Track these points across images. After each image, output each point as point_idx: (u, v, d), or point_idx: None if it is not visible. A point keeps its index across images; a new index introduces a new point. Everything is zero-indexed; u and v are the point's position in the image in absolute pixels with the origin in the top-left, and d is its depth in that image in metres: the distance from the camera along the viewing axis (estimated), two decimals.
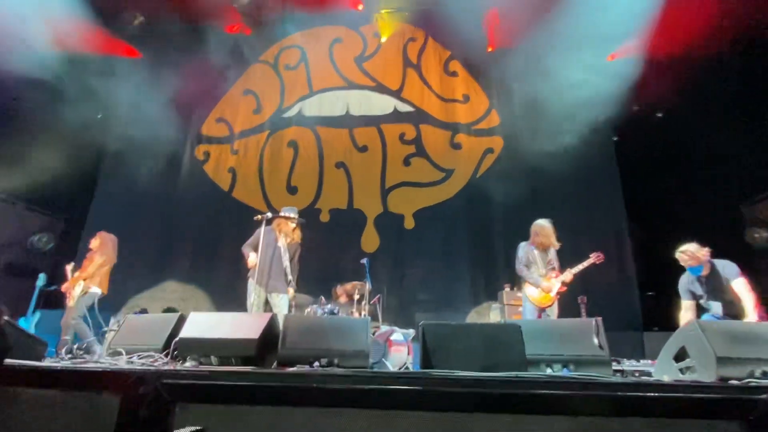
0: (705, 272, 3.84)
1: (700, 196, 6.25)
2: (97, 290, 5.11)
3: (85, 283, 5.04)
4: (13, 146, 6.56)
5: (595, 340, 2.54)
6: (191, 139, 8.03)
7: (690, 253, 3.85)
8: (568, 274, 4.49)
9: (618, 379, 2.22)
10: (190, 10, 7.31)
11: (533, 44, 7.47)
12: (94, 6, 6.94)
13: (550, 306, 4.50)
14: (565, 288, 4.53)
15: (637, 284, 6.60)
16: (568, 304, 5.31)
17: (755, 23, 5.46)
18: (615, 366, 2.87)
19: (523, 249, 4.68)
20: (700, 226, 6.12)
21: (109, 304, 6.88)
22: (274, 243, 4.52)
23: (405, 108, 7.80)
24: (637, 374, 2.92)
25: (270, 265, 4.40)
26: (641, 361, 3.36)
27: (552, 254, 4.67)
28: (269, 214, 4.45)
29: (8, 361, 2.44)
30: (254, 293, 4.32)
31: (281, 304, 4.46)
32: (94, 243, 5.36)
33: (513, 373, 2.07)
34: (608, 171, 7.13)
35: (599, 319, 2.63)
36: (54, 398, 1.08)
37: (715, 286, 3.79)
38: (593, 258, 4.63)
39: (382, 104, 7.84)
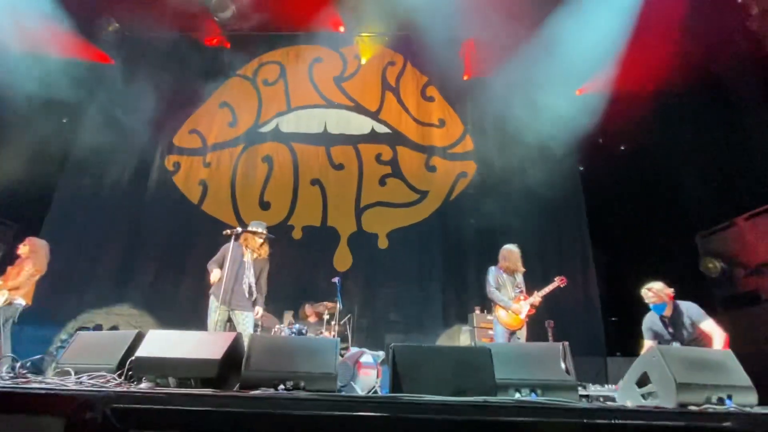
0: (668, 312, 3.91)
1: (660, 225, 6.58)
2: (21, 302, 4.66)
3: (10, 293, 4.57)
4: None
5: (563, 365, 2.57)
6: (162, 149, 7.79)
7: (655, 290, 3.92)
8: (537, 297, 4.62)
9: (584, 404, 2.25)
10: (169, 20, 7.22)
11: (507, 74, 7.79)
12: (68, 10, 6.76)
13: (519, 329, 4.57)
14: (534, 310, 4.62)
15: (601, 310, 6.78)
16: (535, 328, 5.40)
17: (712, 62, 5.90)
18: (581, 391, 2.91)
19: (492, 273, 4.78)
20: (660, 255, 6.45)
21: (58, 319, 6.47)
22: (241, 259, 4.36)
23: (382, 129, 7.90)
24: (601, 399, 2.96)
25: (234, 281, 4.24)
26: (605, 386, 3.40)
27: (519, 278, 4.80)
28: (239, 229, 4.35)
29: None
30: (216, 311, 4.13)
31: (246, 322, 4.28)
32: (23, 250, 4.83)
33: (482, 398, 2.05)
34: (574, 199, 7.41)
35: (566, 343, 2.67)
36: None
37: (677, 326, 3.86)
38: (557, 282, 4.77)
39: (360, 124, 7.91)
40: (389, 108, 8.01)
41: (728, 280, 5.76)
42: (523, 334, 4.58)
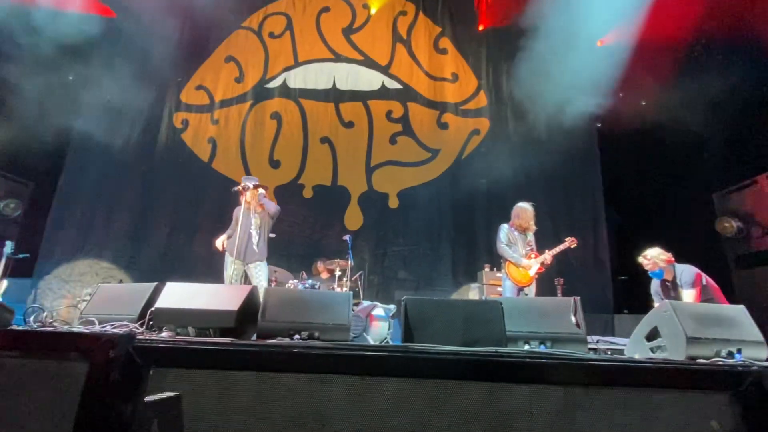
0: (668, 276, 3.92)
1: (675, 184, 6.43)
2: None
3: None
4: None
5: (573, 319, 2.59)
6: (170, 105, 7.68)
7: (649, 257, 3.94)
8: (547, 256, 4.61)
9: (592, 355, 2.29)
10: None
11: (524, 25, 7.39)
12: None
13: (528, 285, 4.61)
14: (543, 269, 4.62)
15: (611, 269, 6.79)
16: (545, 285, 5.44)
17: (740, 15, 5.52)
18: (591, 344, 2.96)
19: (504, 230, 4.77)
20: (674, 214, 6.35)
21: (82, 276, 6.72)
22: (248, 215, 4.58)
23: (393, 85, 7.65)
24: (609, 352, 3.02)
25: (246, 237, 4.48)
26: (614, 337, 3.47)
27: (530, 237, 4.79)
28: (237, 188, 4.56)
29: None
30: (232, 266, 4.38)
31: (258, 274, 4.49)
32: None
33: (492, 349, 2.09)
34: (590, 157, 7.23)
35: (577, 298, 2.69)
36: (18, 363, 1.02)
37: (677, 290, 3.87)
38: (568, 242, 4.77)
39: (370, 79, 7.66)
40: (400, 62, 7.72)
41: (744, 240, 5.68)
42: (532, 291, 4.63)
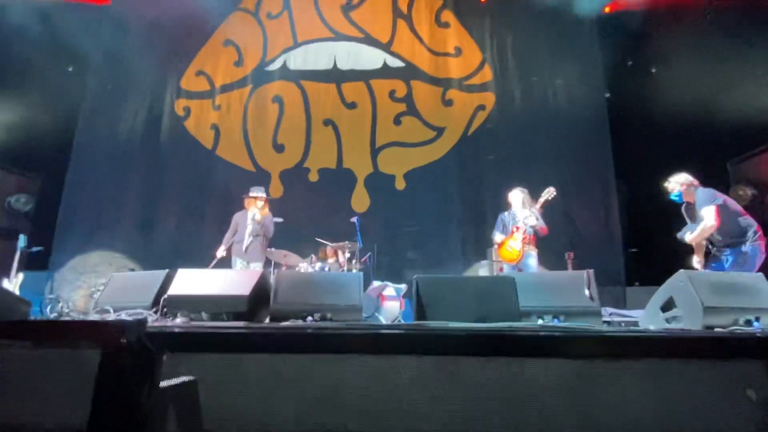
0: (689, 199, 3.95)
1: (688, 152, 6.26)
2: None
3: None
4: None
5: (587, 292, 2.57)
6: (170, 93, 7.59)
7: (672, 180, 4.03)
8: (530, 218, 4.56)
9: (606, 328, 2.27)
10: None
11: None
12: None
13: (518, 261, 4.58)
14: (528, 237, 4.57)
15: (622, 241, 6.72)
16: (554, 259, 5.41)
17: None
18: (604, 317, 2.94)
19: (498, 219, 4.95)
20: None
21: (96, 266, 6.81)
22: (247, 221, 5.10)
23: (395, 63, 7.48)
24: (623, 324, 3.00)
25: (248, 240, 5.01)
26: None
27: (522, 215, 4.70)
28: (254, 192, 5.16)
29: None
30: (239, 264, 4.95)
31: None
32: None
33: (506, 324, 2.08)
34: (599, 127, 7.05)
35: (591, 271, 2.66)
36: (33, 353, 1.02)
37: (692, 214, 3.92)
38: (545, 195, 4.71)
39: (372, 57, 7.49)
40: (401, 38, 7.52)
41: (758, 207, 5.57)
42: (530, 263, 4.60)
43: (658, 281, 2.96)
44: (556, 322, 2.47)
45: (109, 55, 7.43)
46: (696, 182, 3.98)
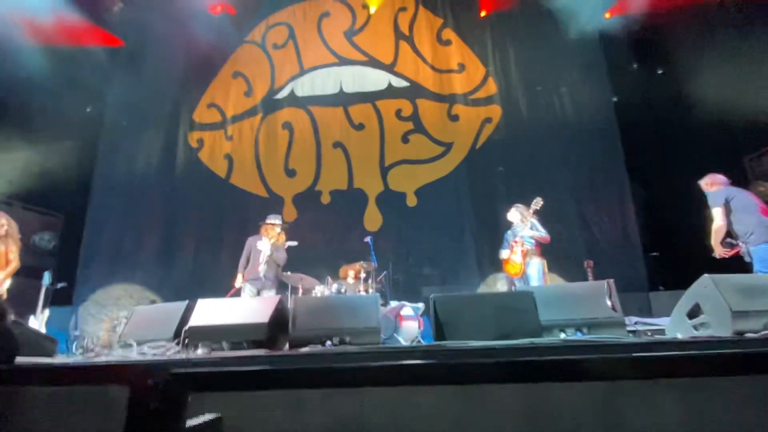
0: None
1: (703, 152, 6.15)
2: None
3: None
4: (3, 146, 6.44)
5: (608, 302, 2.51)
6: (184, 126, 7.86)
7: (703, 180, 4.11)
8: (525, 229, 4.67)
9: (633, 339, 2.21)
10: None
11: (527, 5, 7.24)
12: None
13: (520, 274, 4.68)
14: (525, 248, 4.64)
15: (641, 245, 6.57)
16: (574, 269, 5.33)
17: None
18: (629, 327, 2.86)
19: (504, 237, 5.06)
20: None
21: (118, 299, 6.95)
22: (260, 247, 5.08)
23: (400, 83, 7.60)
24: (649, 333, 2.91)
25: (263, 269, 4.96)
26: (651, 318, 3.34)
27: (520, 230, 4.81)
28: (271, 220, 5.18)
29: (19, 359, 2.43)
30: (248, 291, 4.90)
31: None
32: (3, 227, 4.40)
33: (528, 340, 2.05)
34: (609, 132, 6.99)
35: (611, 280, 2.60)
36: (62, 394, 1.05)
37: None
38: (533, 205, 4.77)
39: (376, 79, 7.64)
40: (405, 59, 7.66)
41: None
42: (530, 273, 4.64)
43: (684, 284, 2.87)
44: (579, 336, 2.41)
45: (124, 94, 7.74)
46: (714, 181, 4.03)
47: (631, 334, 2.74)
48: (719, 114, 5.95)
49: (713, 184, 4.00)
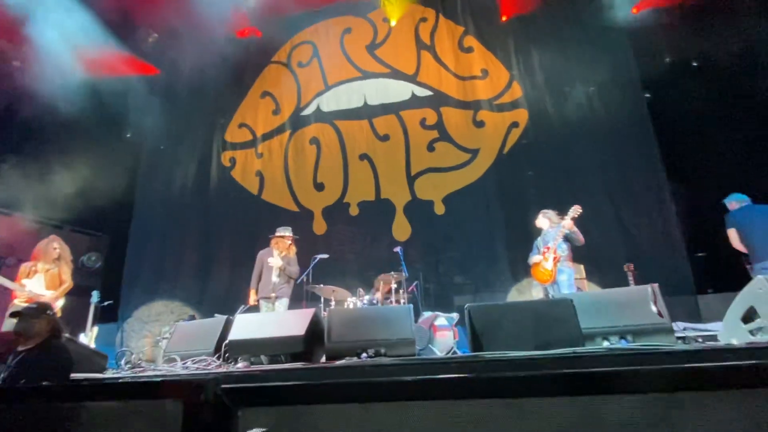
0: None
1: (745, 146, 5.83)
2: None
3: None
4: (52, 174, 6.90)
5: (653, 308, 2.39)
6: (217, 147, 8.21)
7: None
8: (553, 241, 4.57)
9: (685, 346, 2.09)
10: (200, 20, 7.39)
11: (550, 5, 7.15)
12: (110, 28, 7.14)
13: (550, 281, 4.58)
14: (559, 258, 4.54)
15: (685, 246, 6.25)
16: (614, 274, 5.12)
17: None
18: (678, 333, 2.71)
19: (534, 243, 4.99)
20: (747, 179, 5.74)
21: (159, 315, 7.24)
22: (270, 262, 5.01)
23: (423, 92, 7.64)
24: (700, 339, 2.75)
25: (272, 279, 4.90)
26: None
27: (551, 235, 4.73)
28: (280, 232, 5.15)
29: (73, 375, 2.57)
30: (264, 309, 4.82)
31: (282, 307, 4.86)
32: (56, 250, 4.72)
33: (570, 350, 1.98)
34: (642, 130, 6.72)
35: (655, 285, 2.48)
36: (118, 409, 1.10)
37: None
38: (572, 212, 4.62)
39: (399, 90, 7.71)
40: (427, 68, 7.70)
41: None
42: (561, 280, 4.53)
43: (736, 286, 2.69)
44: (623, 344, 2.31)
45: (160, 119, 8.16)
46: (731, 204, 4.42)
47: (680, 341, 2.60)
48: (761, 105, 5.65)
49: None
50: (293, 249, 5.16)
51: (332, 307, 5.33)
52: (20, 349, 2.51)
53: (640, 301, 2.46)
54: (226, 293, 7.10)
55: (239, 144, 8.17)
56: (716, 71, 6.09)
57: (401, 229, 7.09)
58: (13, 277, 4.51)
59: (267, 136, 8.06)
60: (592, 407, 1.16)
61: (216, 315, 4.85)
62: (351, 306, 5.17)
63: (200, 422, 0.79)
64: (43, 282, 4.57)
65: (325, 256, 5.51)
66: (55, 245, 4.76)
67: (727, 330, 2.52)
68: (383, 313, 3.11)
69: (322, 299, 5.56)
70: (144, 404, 1.06)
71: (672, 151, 6.64)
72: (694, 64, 6.55)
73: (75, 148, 7.24)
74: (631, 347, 2.14)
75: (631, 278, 4.61)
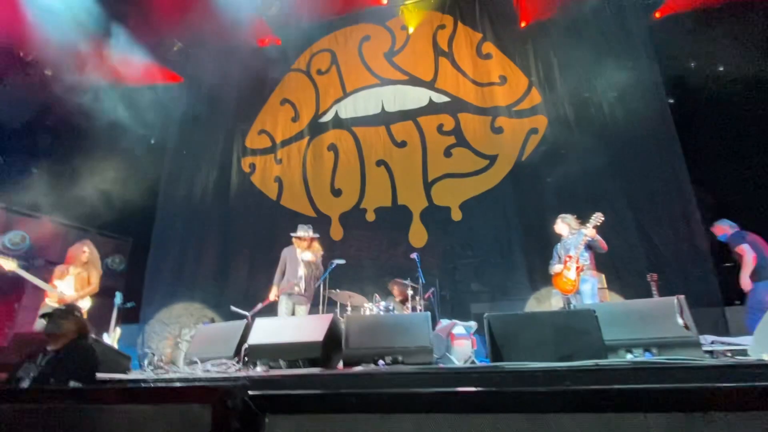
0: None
1: None
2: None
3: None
4: (80, 179, 7.15)
5: (680, 320, 2.33)
6: (237, 153, 8.38)
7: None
8: (575, 250, 4.48)
9: (713, 361, 2.02)
10: (223, 30, 7.58)
11: (570, 10, 7.08)
12: (135, 37, 7.39)
13: (573, 291, 4.47)
14: (582, 268, 4.44)
15: (712, 256, 6.05)
16: (637, 285, 5.00)
17: None
18: (705, 347, 2.63)
19: (554, 250, 4.91)
20: None
21: (179, 317, 7.38)
22: (296, 258, 5.05)
23: (440, 98, 7.64)
24: (729, 354, 2.66)
25: (297, 272, 4.94)
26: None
27: (572, 242, 4.63)
28: (292, 234, 5.17)
29: (99, 375, 2.64)
30: (284, 305, 4.85)
31: (303, 313, 4.83)
32: (85, 254, 4.85)
33: (592, 362, 1.94)
34: (666, 135, 6.56)
35: (682, 297, 2.41)
36: (144, 412, 1.13)
37: None
38: (593, 221, 4.51)
39: (417, 97, 7.73)
40: (445, 75, 7.71)
41: None
42: (584, 290, 4.43)
43: None
44: (648, 356, 2.25)
45: (183, 125, 8.39)
46: (720, 229, 4.69)
47: (707, 355, 2.51)
48: None
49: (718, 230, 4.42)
50: (317, 246, 5.21)
51: (348, 312, 5.34)
52: (49, 349, 2.60)
53: (666, 313, 2.39)
54: (244, 297, 7.19)
55: (259, 150, 8.32)
56: (743, 76, 5.93)
57: (418, 235, 7.07)
58: (43, 278, 4.68)
59: (286, 143, 8.19)
60: (617, 423, 1.13)
61: (231, 307, 5.00)
62: (367, 312, 5.17)
63: (228, 428, 0.81)
64: (72, 284, 4.73)
65: (342, 261, 5.53)
66: (85, 249, 4.93)
67: (758, 344, 2.43)
68: (401, 320, 3.11)
69: (339, 304, 5.58)
70: (171, 408, 1.08)
71: (697, 158, 6.47)
72: (720, 68, 6.39)
73: (101, 154, 7.49)
74: (657, 360, 2.09)
75: (654, 289, 4.49)
